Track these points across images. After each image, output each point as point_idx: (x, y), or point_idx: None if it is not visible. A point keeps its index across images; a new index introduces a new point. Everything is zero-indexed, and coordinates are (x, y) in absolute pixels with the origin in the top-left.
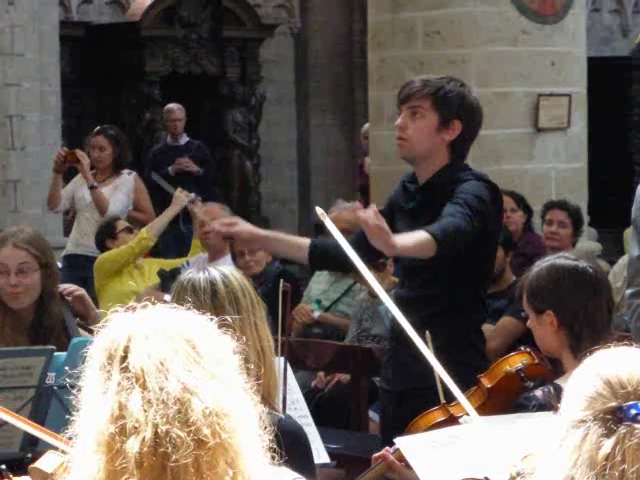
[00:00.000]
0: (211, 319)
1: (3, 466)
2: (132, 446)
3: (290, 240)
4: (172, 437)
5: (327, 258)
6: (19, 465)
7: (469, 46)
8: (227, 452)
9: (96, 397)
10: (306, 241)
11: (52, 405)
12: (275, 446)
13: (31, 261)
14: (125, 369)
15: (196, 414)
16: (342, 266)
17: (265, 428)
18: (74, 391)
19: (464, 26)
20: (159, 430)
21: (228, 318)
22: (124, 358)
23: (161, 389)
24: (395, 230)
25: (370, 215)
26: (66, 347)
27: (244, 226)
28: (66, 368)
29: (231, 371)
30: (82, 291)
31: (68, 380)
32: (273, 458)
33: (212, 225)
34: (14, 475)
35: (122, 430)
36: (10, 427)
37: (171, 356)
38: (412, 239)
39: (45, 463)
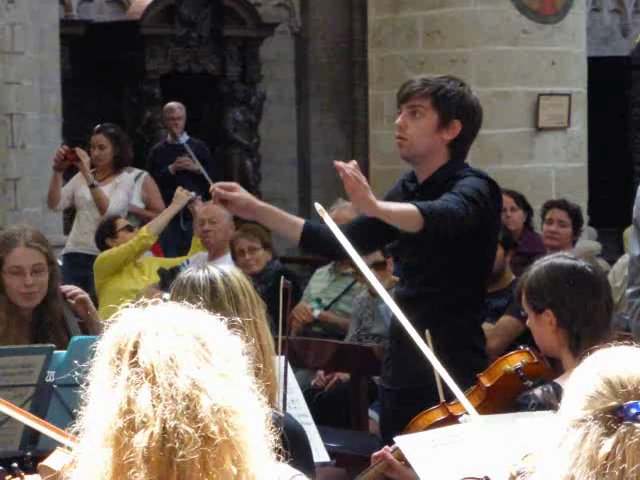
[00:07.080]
0: (221, 319)
1: (15, 464)
2: (140, 441)
3: (285, 216)
4: (180, 433)
5: (319, 242)
6: (20, 463)
7: (469, 45)
8: (233, 449)
9: (105, 391)
10: (301, 221)
11: (52, 403)
12: (281, 447)
13: (43, 260)
14: (135, 364)
15: (204, 411)
16: (332, 252)
17: (272, 428)
18: (79, 387)
19: (464, 25)
20: (167, 425)
21: (238, 320)
22: (134, 353)
23: (170, 385)
24: (394, 230)
25: (349, 166)
26: (66, 344)
27: (243, 193)
28: (75, 362)
29: (240, 370)
30: (85, 295)
31: (72, 376)
32: (278, 458)
33: (212, 186)
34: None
35: (130, 424)
36: (10, 425)
37: (181, 352)
38: (396, 205)
39: (54, 461)
